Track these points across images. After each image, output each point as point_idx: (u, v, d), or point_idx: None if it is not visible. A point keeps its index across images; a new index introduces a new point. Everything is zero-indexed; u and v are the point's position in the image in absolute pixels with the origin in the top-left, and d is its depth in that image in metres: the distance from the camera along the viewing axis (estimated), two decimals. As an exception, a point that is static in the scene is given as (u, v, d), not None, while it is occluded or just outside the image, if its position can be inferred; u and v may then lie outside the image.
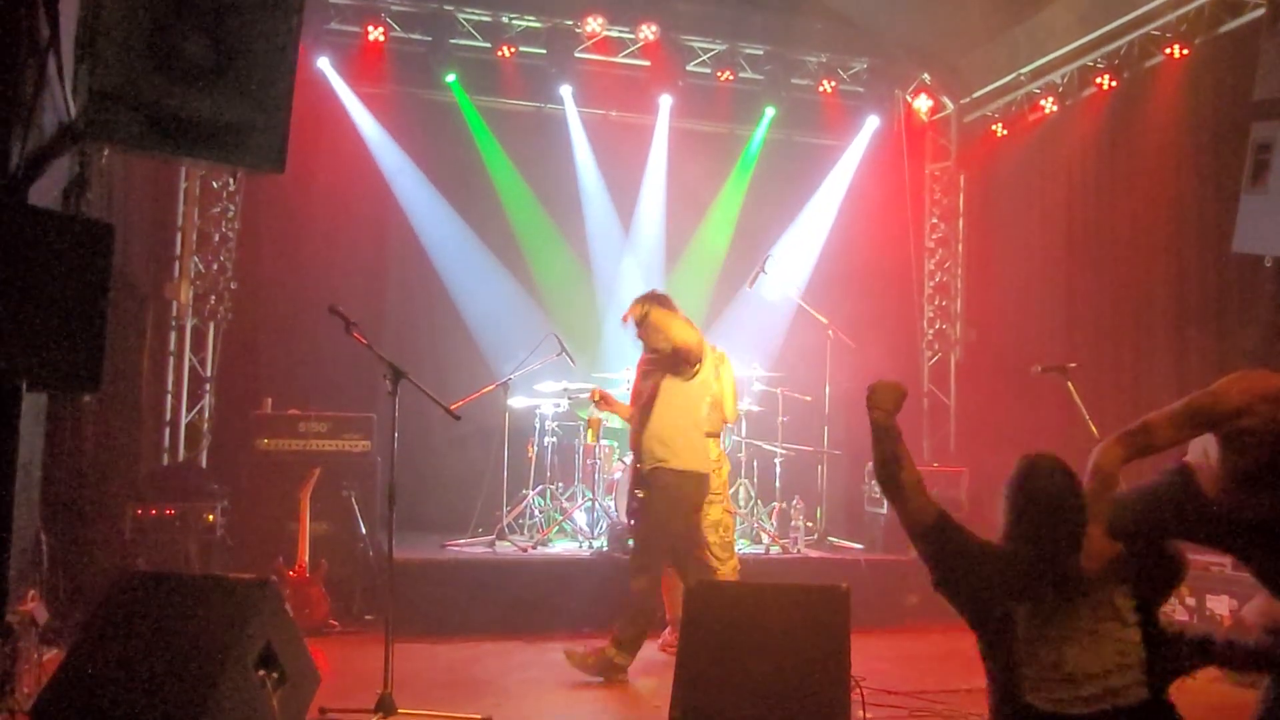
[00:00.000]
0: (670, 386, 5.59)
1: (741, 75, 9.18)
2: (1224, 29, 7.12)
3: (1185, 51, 7.38)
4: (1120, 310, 7.90)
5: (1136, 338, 7.74)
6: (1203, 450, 3.32)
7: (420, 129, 8.86)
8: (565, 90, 9.02)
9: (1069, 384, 5.62)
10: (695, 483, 5.61)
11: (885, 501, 7.96)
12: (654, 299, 5.71)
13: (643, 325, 5.61)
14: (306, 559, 6.43)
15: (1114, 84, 8.09)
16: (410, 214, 8.82)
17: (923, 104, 9.72)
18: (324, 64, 8.41)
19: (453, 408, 4.99)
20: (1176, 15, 7.44)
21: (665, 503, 5.48)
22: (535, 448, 7.90)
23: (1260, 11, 6.41)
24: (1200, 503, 3.30)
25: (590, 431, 7.55)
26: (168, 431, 7.88)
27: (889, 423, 3.04)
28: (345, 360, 7.54)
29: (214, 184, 8.09)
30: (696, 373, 5.64)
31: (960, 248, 10.05)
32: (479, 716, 4.31)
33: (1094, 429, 5.49)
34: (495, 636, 6.29)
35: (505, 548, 7.30)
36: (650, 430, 5.54)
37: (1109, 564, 2.85)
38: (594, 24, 8.60)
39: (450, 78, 8.68)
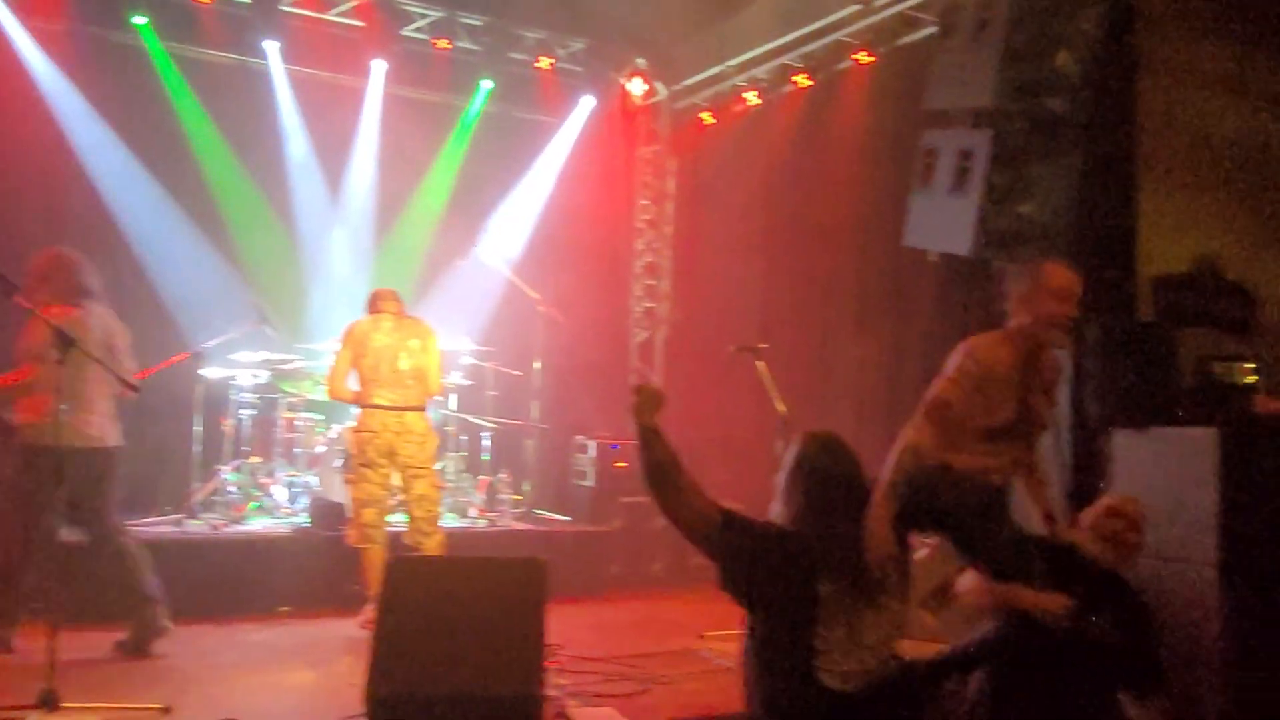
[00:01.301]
0: None
1: (459, 45, 9.06)
2: (903, 41, 7.76)
3: (871, 59, 8.00)
4: (810, 294, 8.48)
5: (824, 320, 8.34)
6: None
7: (104, 74, 8.02)
8: (271, 45, 8.54)
9: (760, 363, 5.95)
10: None
11: (591, 474, 8.24)
12: None
13: None
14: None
15: (810, 83, 8.63)
16: (90, 168, 7.96)
17: (637, 88, 9.98)
18: (-13, -9, 7.53)
19: (135, 378, 4.63)
20: (864, 24, 8.03)
21: None
22: (231, 421, 7.50)
23: (933, 29, 7.04)
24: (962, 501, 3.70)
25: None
26: None
27: (656, 426, 2.98)
28: (11, 328, 6.81)
29: None
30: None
31: (669, 230, 10.43)
32: (157, 706, 4.05)
33: (781, 406, 5.88)
34: (183, 620, 5.90)
35: (196, 526, 6.88)
36: None
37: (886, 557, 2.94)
38: (304, -25, 8.20)
39: (140, 20, 8.00)
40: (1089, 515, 3.71)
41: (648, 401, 3.00)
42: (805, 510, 2.95)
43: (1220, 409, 5.66)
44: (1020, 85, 5.72)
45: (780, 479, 3.06)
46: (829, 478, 2.96)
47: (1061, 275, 3.93)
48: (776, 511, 3.05)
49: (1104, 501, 3.75)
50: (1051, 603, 3.37)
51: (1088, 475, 5.31)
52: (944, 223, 6.00)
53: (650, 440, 2.96)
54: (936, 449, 3.67)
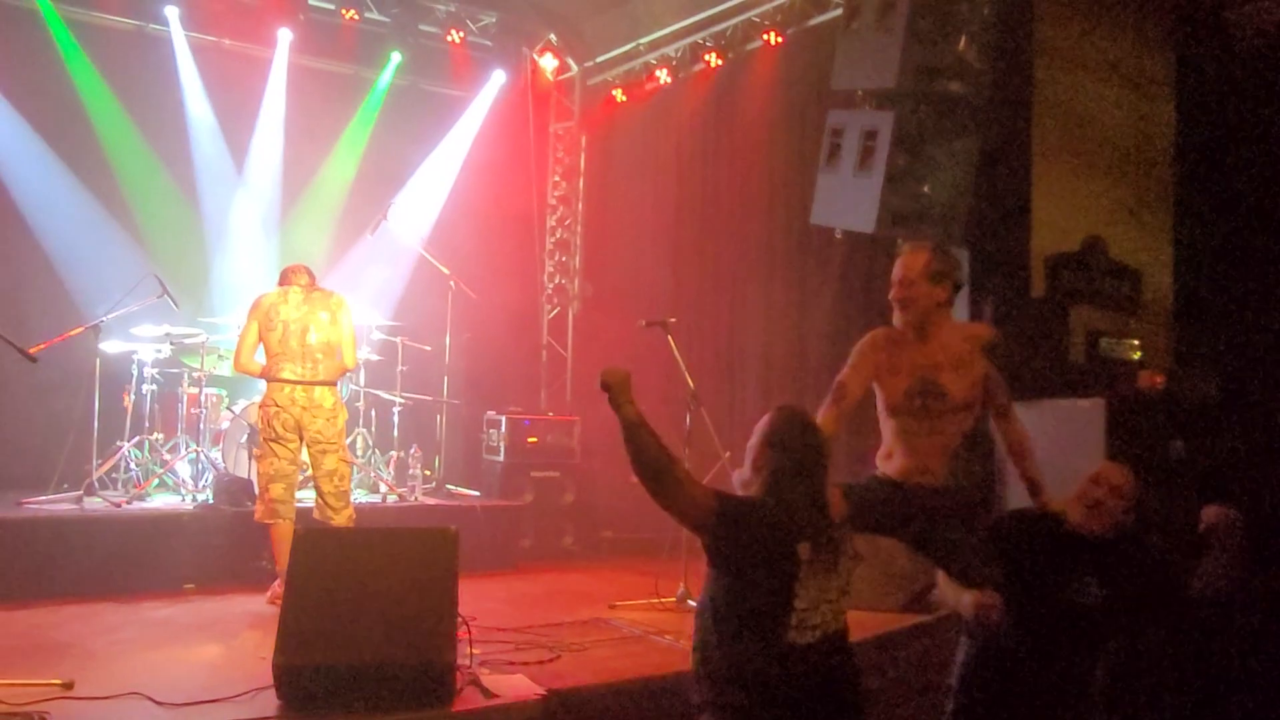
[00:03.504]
0: None
1: (367, 16, 8.96)
2: (811, 23, 7.91)
3: (779, 39, 8.12)
4: (719, 270, 8.61)
5: (732, 296, 8.47)
6: None
7: (-6, 38, 7.79)
8: (171, 10, 8.32)
9: (669, 338, 6.03)
10: None
11: (502, 449, 8.26)
12: None
13: None
14: None
15: (720, 62, 8.73)
16: (-21, 135, 7.74)
17: (549, 63, 9.97)
18: None
19: (32, 351, 4.51)
20: (773, 5, 8.17)
21: None
22: (132, 396, 7.32)
23: (840, 11, 7.18)
24: (907, 508, 3.96)
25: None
26: None
27: (639, 416, 2.88)
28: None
29: None
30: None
31: (580, 206, 10.46)
32: (58, 681, 3.97)
33: (689, 379, 5.97)
34: (82, 599, 5.79)
35: (95, 503, 6.72)
36: None
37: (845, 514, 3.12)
38: (204, -60, 8.00)
39: (32, -18, 7.74)
40: (1078, 483, 3.71)
41: (618, 388, 2.89)
42: (778, 479, 3.06)
43: (1107, 382, 5.96)
44: (922, 68, 5.89)
45: (750, 449, 3.15)
46: (797, 448, 3.07)
47: (898, 260, 4.12)
48: (746, 478, 3.14)
49: (1092, 469, 3.72)
50: (988, 602, 3.47)
51: (983, 445, 5.51)
52: (849, 201, 6.15)
53: (635, 434, 2.86)
54: (836, 433, 3.88)
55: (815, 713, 2.97)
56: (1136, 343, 6.31)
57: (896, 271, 4.09)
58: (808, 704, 2.96)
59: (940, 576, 3.86)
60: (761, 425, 3.16)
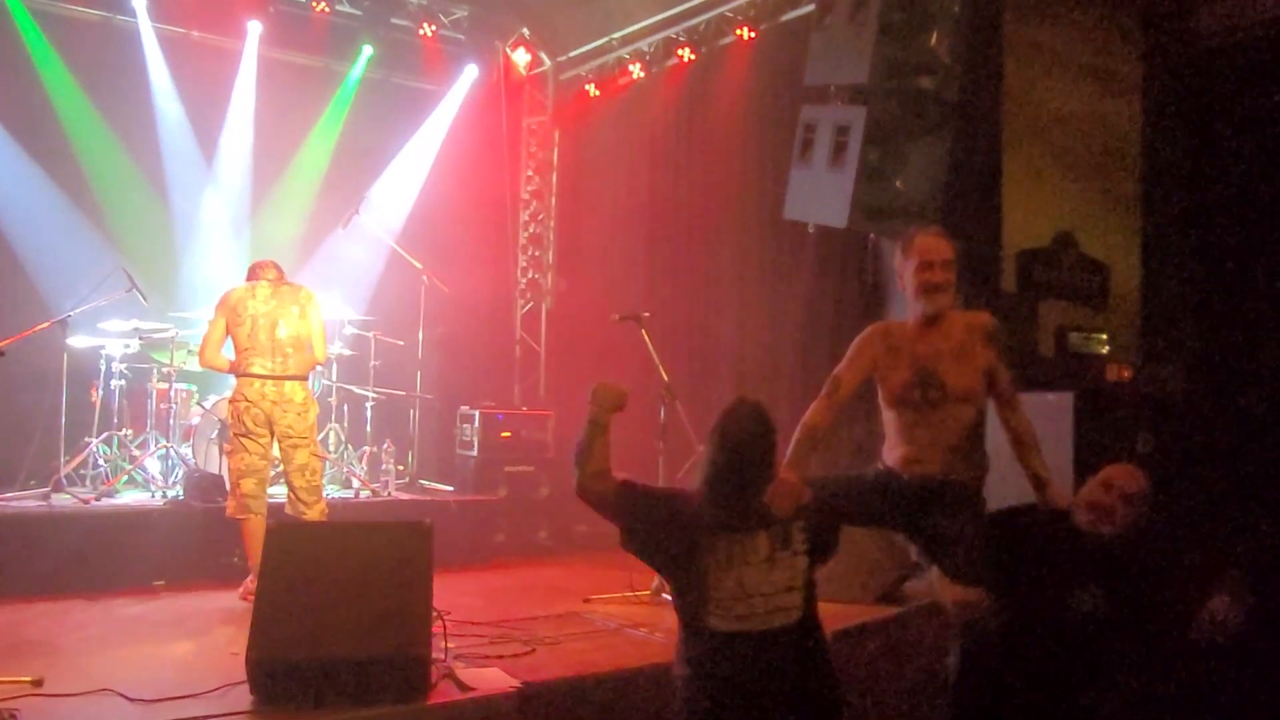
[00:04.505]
0: None
1: (339, 9, 8.89)
2: (785, 18, 7.92)
3: (753, 34, 8.13)
4: (692, 264, 8.62)
5: (705, 289, 8.48)
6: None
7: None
8: (139, 1, 8.23)
9: (643, 332, 6.04)
10: None
11: (476, 444, 8.25)
12: None
13: None
14: None
15: (693, 57, 8.73)
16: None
17: (521, 58, 9.95)
18: None
19: (-2, 345, 4.45)
20: (746, 0, 8.17)
21: None
22: (100, 391, 7.25)
23: (813, 6, 7.21)
24: (899, 496, 3.90)
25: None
26: None
27: (605, 420, 3.16)
28: None
29: None
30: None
31: (553, 200, 10.44)
32: (28, 678, 3.93)
33: (664, 373, 5.98)
34: (51, 596, 5.73)
35: (64, 500, 6.65)
36: None
37: (796, 507, 3.09)
38: (172, -71, 7.91)
39: (-4, -27, 7.62)
40: (1086, 484, 3.50)
41: (606, 398, 3.18)
42: (717, 470, 3.12)
43: (1076, 376, 6.04)
44: (894, 64, 5.93)
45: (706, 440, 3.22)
46: (734, 439, 3.12)
47: (922, 243, 3.96)
48: (700, 469, 3.22)
49: (1102, 471, 3.49)
50: (970, 597, 3.39)
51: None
52: (822, 196, 6.18)
53: (593, 431, 3.17)
54: (828, 425, 3.88)
55: (767, 707, 3.00)
56: (1105, 337, 6.39)
57: (929, 253, 3.90)
58: (757, 695, 3.00)
59: (934, 571, 3.73)
60: (717, 415, 3.21)
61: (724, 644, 3.03)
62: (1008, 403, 3.98)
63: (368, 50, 9.19)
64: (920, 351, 3.92)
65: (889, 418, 4.05)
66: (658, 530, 3.16)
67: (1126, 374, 6.10)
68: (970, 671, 3.57)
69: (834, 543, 3.25)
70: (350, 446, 8.02)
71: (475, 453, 8.27)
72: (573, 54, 10.00)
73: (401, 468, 8.19)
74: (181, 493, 6.80)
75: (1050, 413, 5.53)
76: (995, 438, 4.05)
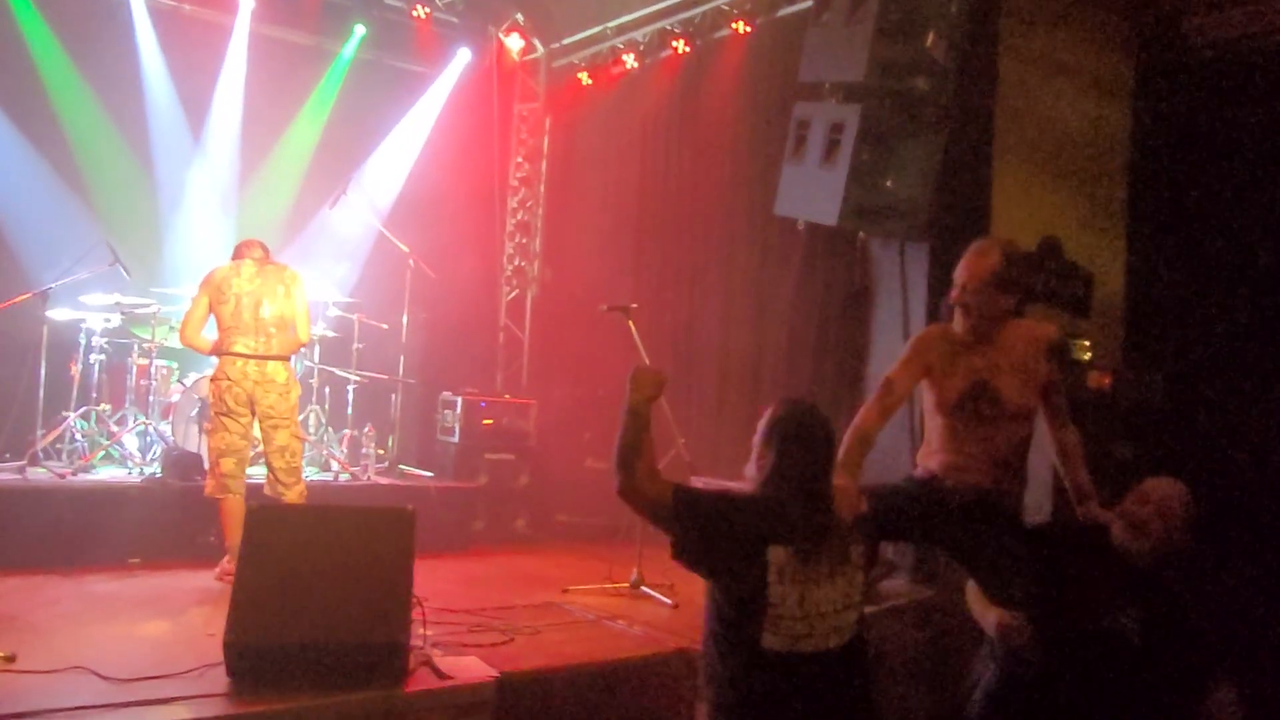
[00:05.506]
0: None
1: (332, -13, 8.82)
2: (781, 14, 7.89)
3: (748, 28, 8.11)
4: (680, 257, 8.60)
5: (692, 283, 8.47)
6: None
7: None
8: (129, -28, 8.15)
9: (630, 323, 6.02)
10: None
11: (457, 431, 8.21)
12: None
13: None
14: None
15: (687, 49, 8.70)
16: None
17: (514, 43, 9.89)
18: None
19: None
20: (742, -7, 8.15)
21: None
22: (80, 366, 7.18)
23: (809, 3, 7.19)
24: (944, 506, 3.77)
25: None
26: None
27: (646, 410, 2.88)
28: None
29: None
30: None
31: (542, 188, 10.40)
32: (0, 654, 3.91)
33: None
34: (24, 571, 5.68)
35: (39, 474, 6.59)
36: None
37: (855, 516, 2.91)
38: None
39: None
40: (1125, 497, 3.33)
41: (645, 383, 2.89)
42: (773, 474, 2.90)
43: (1057, 382, 6.05)
44: (889, 63, 5.91)
45: (755, 442, 3.00)
46: (799, 445, 2.89)
47: (964, 259, 3.85)
48: (750, 473, 3.00)
49: (1145, 482, 3.31)
50: (1015, 625, 3.25)
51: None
52: (813, 193, 6.17)
53: (633, 420, 2.87)
54: (876, 428, 3.74)
55: None
56: (1087, 344, 6.41)
57: (960, 273, 3.81)
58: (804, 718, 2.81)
59: (969, 587, 3.56)
60: (765, 418, 2.99)
61: (774, 664, 2.79)
62: (1059, 417, 3.90)
63: (360, 30, 9.12)
64: (978, 363, 3.80)
65: (935, 424, 3.92)
66: (718, 542, 2.86)
67: (1107, 381, 6.12)
68: (1000, 694, 3.40)
69: (877, 557, 3.09)
70: (330, 429, 7.98)
71: (456, 439, 8.24)
72: (566, 41, 9.96)
73: (382, 452, 8.16)
74: (159, 470, 6.76)
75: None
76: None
